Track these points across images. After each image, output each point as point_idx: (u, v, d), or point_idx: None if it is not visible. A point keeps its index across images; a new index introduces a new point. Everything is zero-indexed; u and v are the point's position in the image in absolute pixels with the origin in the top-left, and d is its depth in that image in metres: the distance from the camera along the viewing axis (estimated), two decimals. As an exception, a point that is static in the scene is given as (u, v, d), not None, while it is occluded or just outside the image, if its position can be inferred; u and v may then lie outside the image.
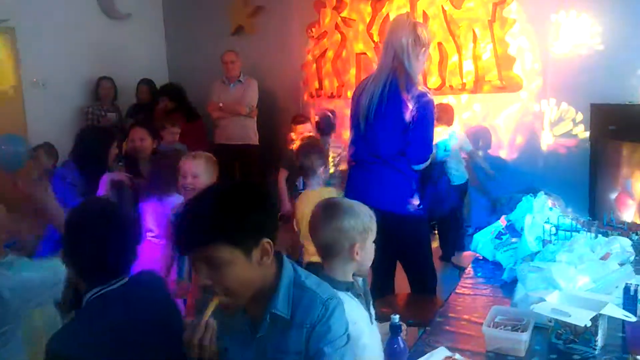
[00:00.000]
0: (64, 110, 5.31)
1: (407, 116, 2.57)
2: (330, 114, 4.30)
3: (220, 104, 5.24)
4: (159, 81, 5.76)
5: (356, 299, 1.61)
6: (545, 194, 2.93)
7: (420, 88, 2.62)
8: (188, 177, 2.56)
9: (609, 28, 4.25)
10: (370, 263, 1.70)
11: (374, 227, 1.66)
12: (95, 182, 2.90)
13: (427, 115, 2.59)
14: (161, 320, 1.54)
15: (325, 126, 4.21)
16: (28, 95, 5.18)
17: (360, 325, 1.53)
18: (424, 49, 2.62)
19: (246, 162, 5.28)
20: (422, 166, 2.67)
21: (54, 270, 1.90)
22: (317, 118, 4.38)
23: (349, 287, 1.59)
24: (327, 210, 1.61)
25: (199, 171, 2.55)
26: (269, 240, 1.30)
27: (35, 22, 5.10)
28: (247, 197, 1.30)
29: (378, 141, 2.66)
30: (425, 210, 2.74)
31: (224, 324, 1.35)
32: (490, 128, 4.78)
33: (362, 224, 1.61)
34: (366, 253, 1.64)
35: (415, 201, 2.67)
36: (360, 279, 1.69)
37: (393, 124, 2.61)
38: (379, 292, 2.74)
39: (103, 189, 2.81)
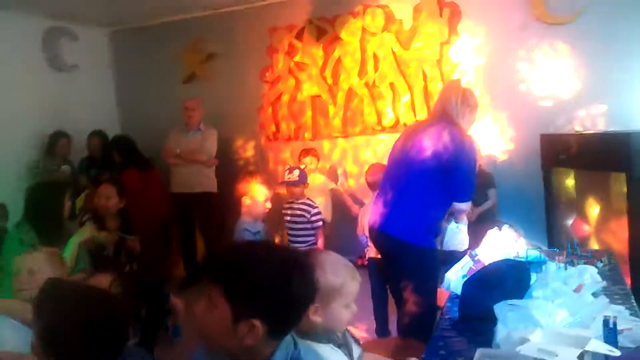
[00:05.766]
0: (13, 167, 5.09)
1: (445, 155, 2.63)
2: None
3: (178, 150, 5.16)
4: (111, 132, 5.62)
5: (339, 350, 1.55)
6: (509, 226, 3.00)
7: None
8: None
9: (555, 62, 4.46)
10: (341, 327, 1.58)
11: (346, 289, 1.53)
12: (51, 239, 2.91)
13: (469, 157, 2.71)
14: None
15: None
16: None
17: None
18: (469, 109, 2.82)
19: (205, 211, 5.19)
20: (464, 206, 2.76)
21: None
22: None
23: (329, 339, 1.53)
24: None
25: None
26: (259, 323, 1.17)
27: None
28: (285, 277, 1.19)
29: (410, 171, 2.72)
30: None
31: None
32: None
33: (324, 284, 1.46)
34: (333, 315, 1.51)
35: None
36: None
37: (430, 158, 2.66)
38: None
39: None
